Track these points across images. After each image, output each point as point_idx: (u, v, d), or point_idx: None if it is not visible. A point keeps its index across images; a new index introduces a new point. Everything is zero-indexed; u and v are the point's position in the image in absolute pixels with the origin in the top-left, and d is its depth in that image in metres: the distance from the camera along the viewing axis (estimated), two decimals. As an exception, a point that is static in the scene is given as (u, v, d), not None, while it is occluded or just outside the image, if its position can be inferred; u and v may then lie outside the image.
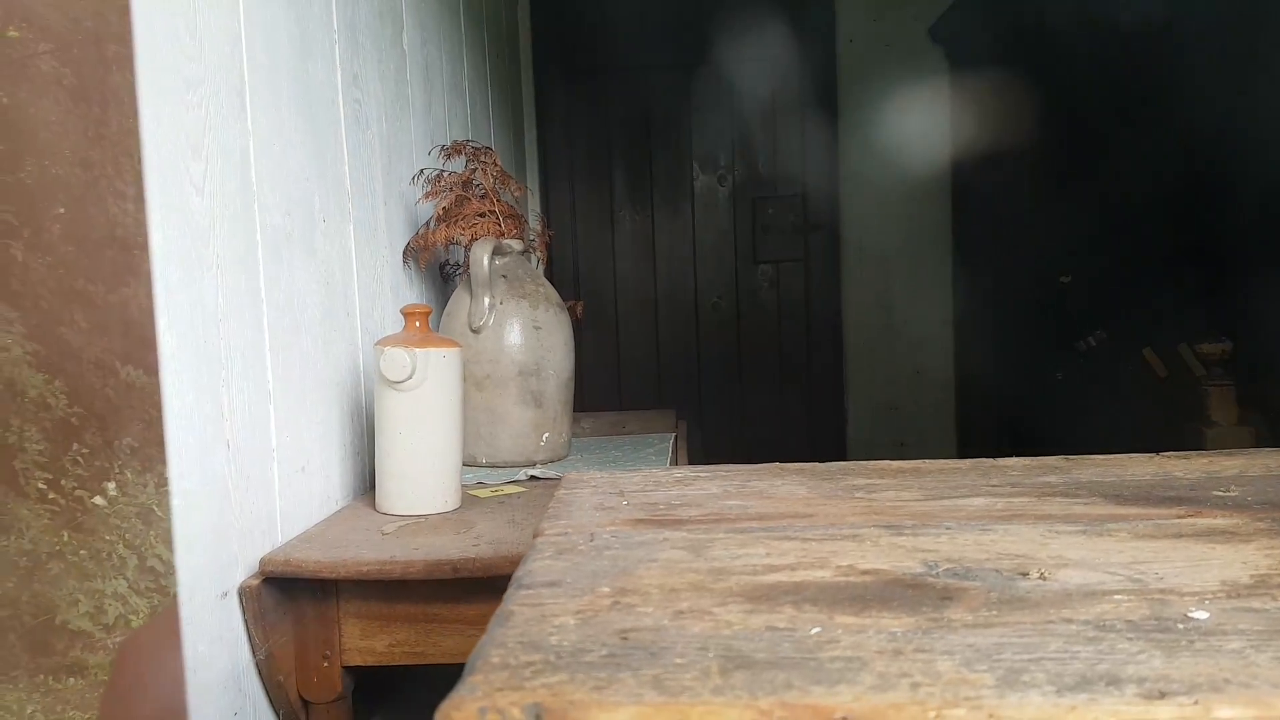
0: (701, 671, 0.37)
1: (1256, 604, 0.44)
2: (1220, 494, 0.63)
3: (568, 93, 3.48)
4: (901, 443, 3.42)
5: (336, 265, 1.27)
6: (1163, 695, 0.34)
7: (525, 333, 1.44)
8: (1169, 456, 0.74)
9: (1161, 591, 0.46)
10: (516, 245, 1.50)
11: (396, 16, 1.69)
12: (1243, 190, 2.42)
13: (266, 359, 1.02)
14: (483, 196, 1.56)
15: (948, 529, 0.57)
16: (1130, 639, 0.40)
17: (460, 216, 1.53)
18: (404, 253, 1.61)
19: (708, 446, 3.43)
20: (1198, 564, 0.50)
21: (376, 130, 1.53)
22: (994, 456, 0.79)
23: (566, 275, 3.55)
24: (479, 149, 1.64)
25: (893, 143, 3.35)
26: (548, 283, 1.54)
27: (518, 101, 3.28)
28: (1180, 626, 0.41)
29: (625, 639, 0.41)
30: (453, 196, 1.56)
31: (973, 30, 2.93)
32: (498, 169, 1.62)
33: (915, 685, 0.35)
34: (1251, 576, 0.47)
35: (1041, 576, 0.48)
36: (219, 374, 0.92)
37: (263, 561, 0.94)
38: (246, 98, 1.03)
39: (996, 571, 0.49)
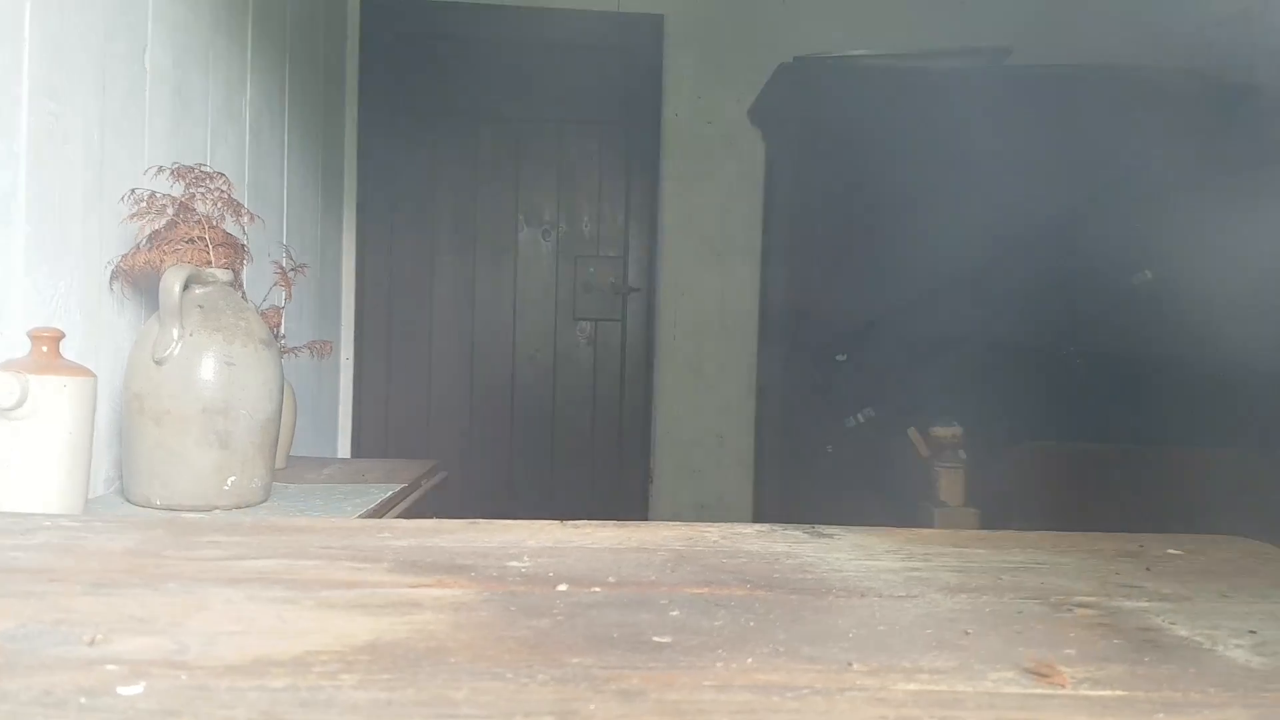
0: None
1: (194, 679, 0.42)
2: (515, 564, 0.63)
3: (394, 133, 3.44)
4: (702, 505, 3.45)
5: (-20, 281, 1.19)
6: None
7: (216, 368, 1.37)
8: (551, 525, 0.75)
9: (172, 665, 0.44)
10: (221, 275, 1.43)
11: (136, 33, 1.63)
12: (995, 285, 2.59)
13: None
14: (196, 222, 1.49)
15: (151, 589, 0.55)
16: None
17: (167, 241, 1.46)
18: (112, 275, 1.52)
19: (517, 501, 3.36)
20: (302, 635, 0.48)
21: (83, 144, 1.45)
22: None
23: (379, 315, 3.47)
24: (207, 174, 1.58)
25: (710, 215, 3.45)
26: (257, 318, 1.47)
27: (336, 138, 3.22)
28: (81, 702, 0.40)
29: None
30: (164, 220, 1.49)
31: (785, 114, 3.06)
32: (224, 196, 1.56)
33: None
34: (301, 653, 0.46)
35: (92, 642, 0.46)
36: None
37: None
38: None
39: (71, 639, 0.47)
